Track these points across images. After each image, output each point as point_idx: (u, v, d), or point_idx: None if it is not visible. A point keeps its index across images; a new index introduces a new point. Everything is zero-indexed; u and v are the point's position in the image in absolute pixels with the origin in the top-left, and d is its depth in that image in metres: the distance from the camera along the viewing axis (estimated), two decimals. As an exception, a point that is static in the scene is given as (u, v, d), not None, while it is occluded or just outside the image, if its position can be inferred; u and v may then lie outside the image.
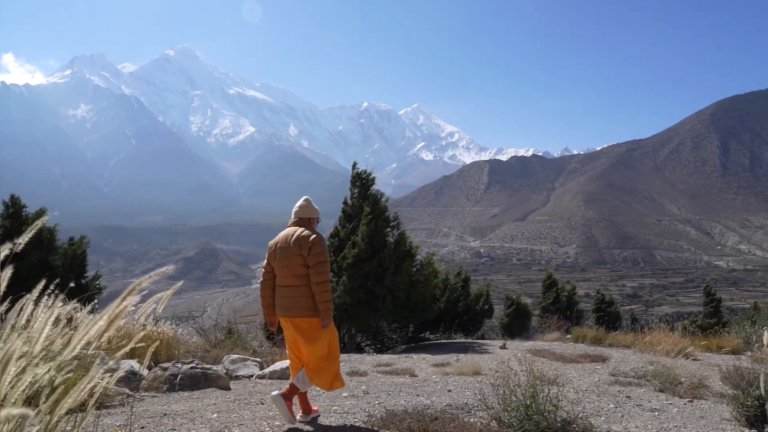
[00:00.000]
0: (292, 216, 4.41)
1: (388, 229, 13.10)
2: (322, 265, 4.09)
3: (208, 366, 6.07)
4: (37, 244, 10.78)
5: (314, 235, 4.19)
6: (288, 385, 4.18)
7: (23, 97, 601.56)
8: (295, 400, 4.31)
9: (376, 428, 4.22)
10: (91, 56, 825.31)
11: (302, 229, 4.26)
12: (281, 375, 6.61)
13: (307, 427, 4.19)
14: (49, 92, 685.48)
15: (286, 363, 6.86)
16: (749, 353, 9.77)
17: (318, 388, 4.95)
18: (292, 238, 4.19)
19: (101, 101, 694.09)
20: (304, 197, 4.50)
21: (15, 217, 11.19)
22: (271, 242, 4.40)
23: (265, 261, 4.41)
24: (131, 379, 5.59)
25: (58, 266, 11.00)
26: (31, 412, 1.39)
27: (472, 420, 4.58)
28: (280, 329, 4.54)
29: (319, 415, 4.48)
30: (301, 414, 4.28)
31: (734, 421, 5.02)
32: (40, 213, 11.51)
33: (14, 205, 11.36)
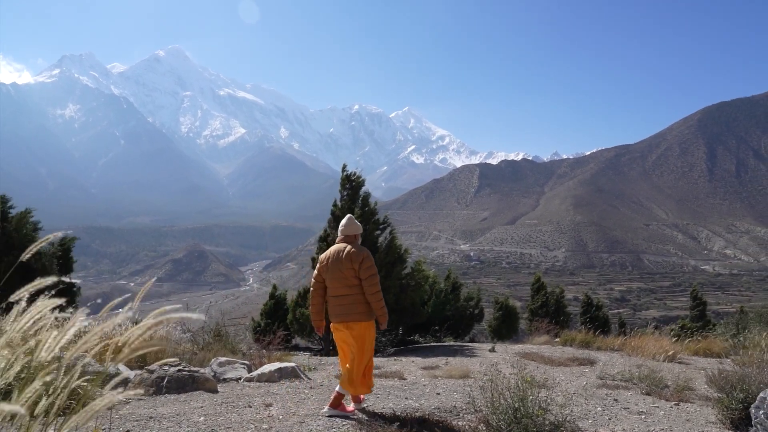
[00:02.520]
0: (339, 234, 4.95)
1: (378, 232, 13.10)
2: (374, 278, 4.69)
3: (196, 368, 6.02)
4: (20, 248, 10.65)
5: (364, 252, 4.76)
6: (333, 396, 4.71)
7: (10, 97, 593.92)
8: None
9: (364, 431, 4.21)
10: (80, 55, 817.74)
11: (350, 246, 4.80)
12: (269, 378, 6.57)
13: (293, 430, 4.17)
14: (36, 92, 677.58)
15: (274, 366, 6.84)
16: (734, 357, 9.87)
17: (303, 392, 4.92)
18: (344, 254, 4.75)
19: (90, 101, 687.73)
20: (348, 216, 5.05)
21: (4, 216, 11.07)
22: (322, 256, 4.91)
23: (316, 272, 4.93)
24: (117, 382, 5.53)
25: (41, 268, 10.87)
26: (22, 410, 1.37)
27: (460, 423, 4.58)
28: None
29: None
30: (328, 407, 4.69)
31: (719, 424, 5.07)
32: (25, 213, 11.39)
33: (5, 204, 11.24)
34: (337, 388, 4.72)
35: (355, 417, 4.64)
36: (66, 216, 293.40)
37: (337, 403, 4.67)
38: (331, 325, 4.86)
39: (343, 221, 4.96)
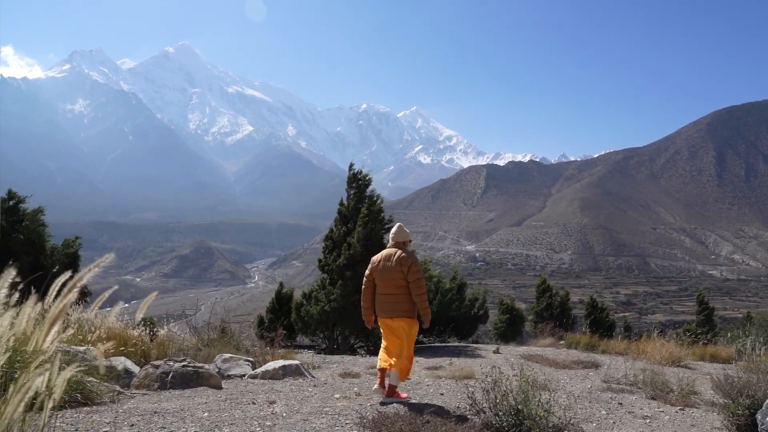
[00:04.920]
0: (390, 240, 5.54)
1: (383, 231, 13.10)
2: (420, 281, 5.25)
3: (200, 365, 6.04)
4: (27, 246, 10.69)
5: (412, 257, 5.35)
6: (387, 387, 5.32)
7: (20, 91, 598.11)
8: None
9: (367, 430, 4.21)
10: (90, 51, 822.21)
11: (400, 251, 5.39)
12: (273, 375, 6.59)
13: (297, 428, 4.18)
14: (46, 86, 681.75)
15: (279, 363, 6.86)
16: (740, 362, 9.80)
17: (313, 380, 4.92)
18: (394, 258, 5.32)
19: (99, 97, 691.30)
20: (398, 224, 5.64)
21: (12, 212, 11.13)
22: (374, 258, 5.51)
23: (368, 272, 5.50)
24: (122, 377, 5.56)
25: (49, 267, 10.93)
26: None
27: (463, 424, 4.57)
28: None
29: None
30: (385, 397, 5.31)
31: (725, 429, 5.04)
32: (38, 211, 11.45)
33: (12, 199, 11.29)
34: (389, 381, 5.30)
35: (409, 401, 5.28)
36: (73, 210, 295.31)
37: (391, 393, 5.30)
38: (379, 319, 5.45)
39: (394, 229, 5.58)
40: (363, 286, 5.59)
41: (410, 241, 5.67)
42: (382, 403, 5.19)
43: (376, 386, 5.34)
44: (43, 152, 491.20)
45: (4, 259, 10.23)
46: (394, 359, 5.26)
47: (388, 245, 5.59)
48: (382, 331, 5.53)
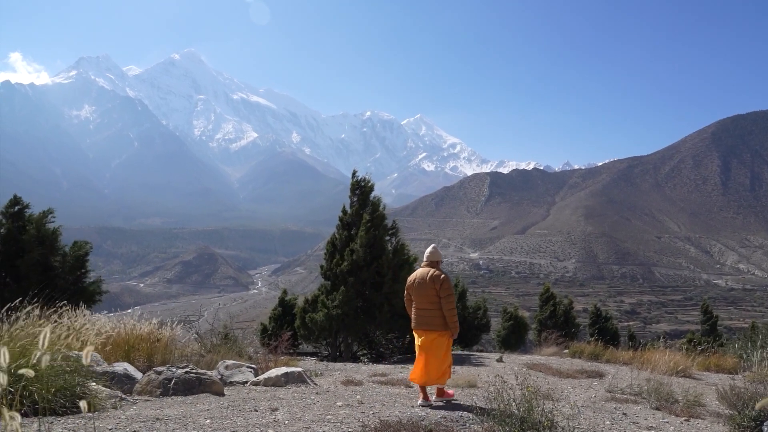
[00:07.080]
0: (425, 259, 6.10)
1: (387, 237, 13.10)
2: (450, 296, 5.81)
3: (203, 371, 6.03)
4: (39, 243, 10.76)
5: (443, 275, 5.88)
6: (436, 390, 5.97)
7: (28, 97, 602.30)
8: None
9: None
10: (97, 57, 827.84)
11: (434, 269, 5.96)
12: (276, 382, 6.57)
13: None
14: (53, 92, 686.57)
15: (281, 370, 6.85)
16: (746, 373, 9.72)
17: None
18: (428, 276, 5.88)
19: (105, 103, 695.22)
20: (432, 245, 6.21)
21: (17, 217, 11.17)
22: (410, 277, 6.11)
23: (406, 291, 6.15)
24: (125, 382, 5.56)
25: (58, 267, 10.96)
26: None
27: (466, 433, 4.54)
28: None
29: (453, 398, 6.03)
30: (435, 397, 5.92)
31: (730, 441, 4.99)
32: (46, 213, 11.51)
33: (16, 205, 11.34)
34: (437, 386, 5.89)
35: (455, 401, 5.91)
36: (78, 216, 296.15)
37: (441, 393, 5.95)
38: (414, 331, 5.99)
39: (429, 249, 6.15)
40: (405, 303, 6.25)
41: (442, 261, 6.22)
42: (423, 406, 5.62)
43: (420, 401, 5.75)
44: (48, 157, 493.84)
45: (15, 256, 10.32)
46: (432, 375, 5.71)
47: (422, 264, 6.14)
48: (416, 341, 5.99)
